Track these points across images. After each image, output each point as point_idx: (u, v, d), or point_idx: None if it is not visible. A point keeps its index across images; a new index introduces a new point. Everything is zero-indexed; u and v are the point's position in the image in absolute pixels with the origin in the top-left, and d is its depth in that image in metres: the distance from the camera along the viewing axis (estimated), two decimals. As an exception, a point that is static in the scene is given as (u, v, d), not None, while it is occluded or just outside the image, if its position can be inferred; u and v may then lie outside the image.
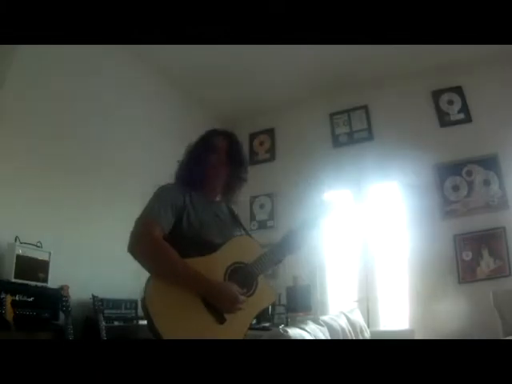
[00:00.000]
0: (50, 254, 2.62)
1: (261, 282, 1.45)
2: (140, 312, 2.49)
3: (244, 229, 1.66)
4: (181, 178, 1.57)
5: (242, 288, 1.36)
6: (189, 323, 1.24)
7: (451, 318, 3.44)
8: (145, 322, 1.27)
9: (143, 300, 1.24)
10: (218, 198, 1.63)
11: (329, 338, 2.30)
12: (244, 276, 1.41)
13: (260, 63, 3.94)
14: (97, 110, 3.33)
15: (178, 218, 1.41)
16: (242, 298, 1.34)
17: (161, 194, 1.44)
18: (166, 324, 1.19)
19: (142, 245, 1.31)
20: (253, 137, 4.92)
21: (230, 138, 1.62)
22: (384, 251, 4.10)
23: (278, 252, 1.50)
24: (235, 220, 1.65)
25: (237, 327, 1.34)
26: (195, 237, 1.41)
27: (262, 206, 4.61)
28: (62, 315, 2.40)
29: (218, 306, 1.30)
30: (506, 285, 3.39)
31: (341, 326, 2.74)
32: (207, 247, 1.40)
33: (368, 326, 3.60)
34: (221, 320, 1.31)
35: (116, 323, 2.85)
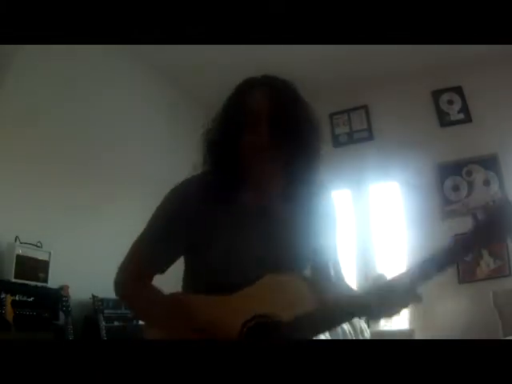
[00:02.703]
0: (50, 253, 2.61)
1: None
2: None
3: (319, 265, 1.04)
4: (208, 177, 1.00)
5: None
6: None
7: (451, 317, 3.44)
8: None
9: None
10: (274, 199, 1.01)
11: (329, 338, 2.30)
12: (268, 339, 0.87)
13: (260, 63, 3.93)
14: (96, 110, 3.33)
15: (194, 245, 0.98)
16: None
17: (164, 211, 1.01)
18: None
19: (120, 294, 1.06)
20: (253, 137, 4.92)
21: (271, 91, 1.01)
22: (384, 251, 4.10)
23: (365, 308, 0.84)
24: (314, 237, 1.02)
25: None
26: (219, 268, 0.97)
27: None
28: (62, 315, 2.40)
29: None
30: (506, 285, 3.38)
31: (341, 326, 2.74)
32: (232, 284, 0.92)
33: (368, 326, 3.60)
34: None
35: (116, 323, 2.85)
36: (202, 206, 0.97)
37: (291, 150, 0.95)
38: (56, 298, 2.42)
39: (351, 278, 4.13)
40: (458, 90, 4.05)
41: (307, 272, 1.03)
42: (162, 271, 1.02)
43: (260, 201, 1.00)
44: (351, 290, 1.07)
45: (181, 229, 0.98)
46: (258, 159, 0.94)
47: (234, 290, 0.91)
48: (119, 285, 1.03)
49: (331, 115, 4.49)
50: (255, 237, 0.97)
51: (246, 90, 1.04)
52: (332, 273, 1.06)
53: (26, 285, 2.42)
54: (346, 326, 2.86)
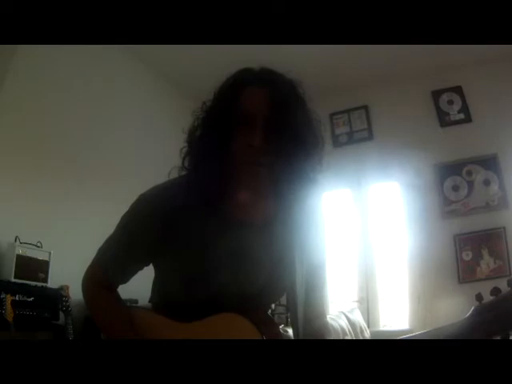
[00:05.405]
0: (50, 253, 2.62)
1: None
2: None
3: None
4: (187, 185, 0.90)
5: None
6: None
7: (451, 318, 3.42)
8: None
9: None
10: (259, 217, 0.91)
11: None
12: None
13: (260, 63, 3.94)
14: (95, 110, 3.33)
15: (160, 257, 0.93)
16: None
17: (131, 220, 0.95)
18: None
19: (84, 297, 1.02)
20: (253, 137, 4.92)
21: (269, 91, 0.88)
22: (384, 251, 4.11)
23: None
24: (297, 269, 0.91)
25: None
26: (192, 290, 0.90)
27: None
28: (62, 315, 2.40)
29: None
30: (506, 285, 3.38)
31: (341, 326, 2.74)
32: (197, 307, 0.87)
33: (368, 326, 3.61)
34: None
35: (116, 323, 2.84)
36: (173, 216, 0.88)
37: (287, 164, 0.83)
38: (56, 298, 2.42)
39: (351, 279, 4.13)
40: (458, 90, 4.05)
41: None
42: (125, 281, 1.00)
43: (244, 216, 0.89)
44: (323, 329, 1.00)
45: (147, 241, 0.91)
46: (248, 171, 0.83)
47: (194, 311, 0.87)
48: (83, 288, 1.02)
49: (331, 115, 4.48)
50: (228, 259, 0.87)
51: (241, 85, 0.91)
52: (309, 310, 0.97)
53: (26, 285, 2.42)
54: (345, 326, 2.86)
